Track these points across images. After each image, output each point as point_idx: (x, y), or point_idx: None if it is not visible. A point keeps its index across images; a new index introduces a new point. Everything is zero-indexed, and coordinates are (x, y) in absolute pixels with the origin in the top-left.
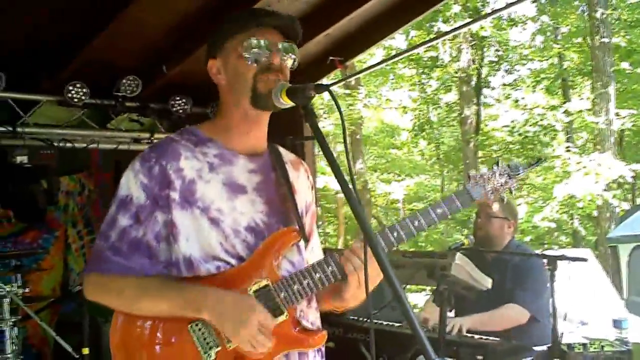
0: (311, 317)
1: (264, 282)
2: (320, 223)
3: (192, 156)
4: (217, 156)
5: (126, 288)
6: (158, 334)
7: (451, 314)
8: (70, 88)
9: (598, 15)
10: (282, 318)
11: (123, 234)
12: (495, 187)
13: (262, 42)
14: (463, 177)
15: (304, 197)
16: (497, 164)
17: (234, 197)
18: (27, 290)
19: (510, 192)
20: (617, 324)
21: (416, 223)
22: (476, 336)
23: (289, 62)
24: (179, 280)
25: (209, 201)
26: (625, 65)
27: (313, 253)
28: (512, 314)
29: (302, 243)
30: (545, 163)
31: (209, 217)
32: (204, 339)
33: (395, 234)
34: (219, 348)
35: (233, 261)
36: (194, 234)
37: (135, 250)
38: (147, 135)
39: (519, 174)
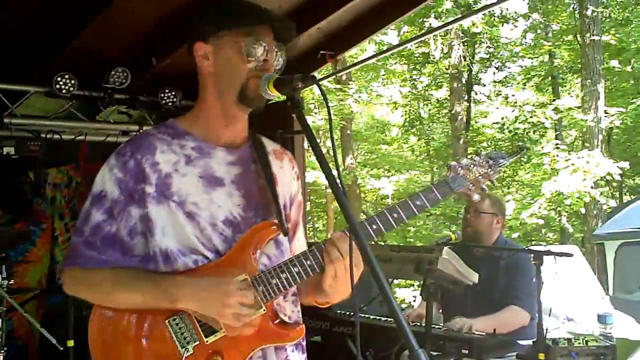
0: (288, 310)
1: (242, 276)
2: (309, 218)
3: (169, 149)
4: (195, 149)
5: (102, 281)
6: (136, 330)
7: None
8: (59, 79)
9: (589, 13)
10: (260, 312)
11: (97, 229)
12: (476, 178)
13: (262, 40)
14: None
15: (287, 188)
16: (478, 154)
17: (211, 190)
18: (12, 282)
19: (492, 183)
20: (601, 319)
21: (395, 215)
22: (462, 330)
23: (279, 63)
24: (155, 273)
25: (185, 195)
26: (614, 63)
27: (299, 244)
28: (518, 318)
29: (282, 236)
30: (525, 152)
31: (184, 211)
32: (181, 334)
33: (374, 226)
34: (197, 343)
35: (210, 255)
36: (170, 227)
37: (109, 245)
38: (135, 127)
39: (500, 164)
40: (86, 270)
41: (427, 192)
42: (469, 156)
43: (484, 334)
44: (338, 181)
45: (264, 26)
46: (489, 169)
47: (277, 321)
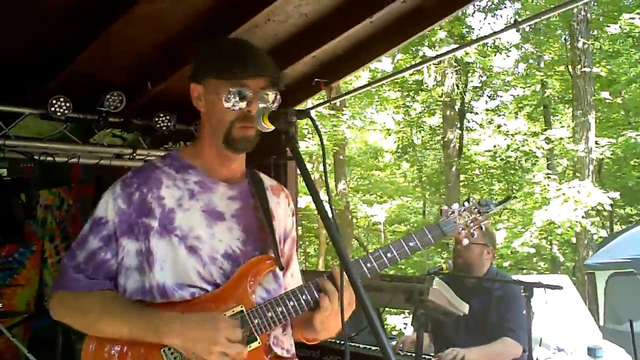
0: (286, 344)
1: (238, 309)
2: (301, 243)
3: (173, 184)
4: (198, 183)
5: (89, 309)
6: (130, 358)
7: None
8: (54, 102)
9: (580, 45)
10: (254, 345)
11: (91, 256)
12: (466, 223)
13: (244, 90)
14: (444, 200)
15: (283, 223)
16: (468, 200)
17: (212, 224)
18: (0, 305)
19: (481, 229)
20: (591, 352)
21: (389, 255)
22: None
23: (271, 97)
24: (145, 305)
25: (187, 229)
26: (605, 94)
27: (293, 279)
28: (512, 350)
29: (278, 270)
30: (512, 200)
31: (187, 245)
32: None
33: (368, 264)
34: None
35: (209, 288)
36: (170, 262)
37: (100, 272)
38: (129, 151)
39: (488, 211)
40: (74, 294)
41: (420, 235)
42: (460, 202)
43: None
44: (330, 214)
45: (251, 76)
46: (479, 215)
47: (270, 355)
